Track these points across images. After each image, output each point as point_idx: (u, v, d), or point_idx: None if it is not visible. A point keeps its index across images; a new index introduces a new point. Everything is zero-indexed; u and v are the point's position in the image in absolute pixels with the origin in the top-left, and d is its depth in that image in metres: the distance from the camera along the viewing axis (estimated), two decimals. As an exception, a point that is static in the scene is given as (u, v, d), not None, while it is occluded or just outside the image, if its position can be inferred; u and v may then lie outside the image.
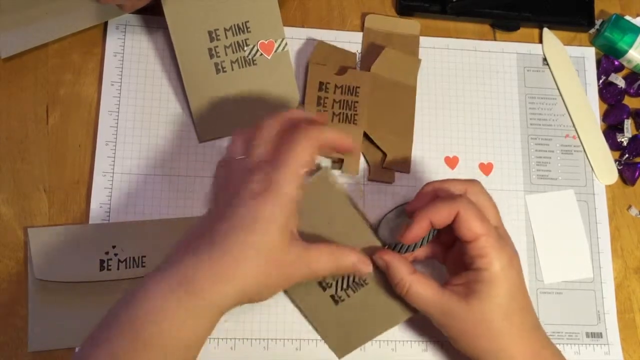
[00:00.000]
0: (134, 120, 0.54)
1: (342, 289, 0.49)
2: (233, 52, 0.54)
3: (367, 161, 0.55)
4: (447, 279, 0.46)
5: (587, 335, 0.54)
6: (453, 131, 0.57)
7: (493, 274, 0.42)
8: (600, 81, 0.60)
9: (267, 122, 0.44)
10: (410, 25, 0.59)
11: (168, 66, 0.56)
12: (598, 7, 0.62)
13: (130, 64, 0.55)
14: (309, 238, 0.45)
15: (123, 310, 0.38)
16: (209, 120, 0.54)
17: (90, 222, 0.51)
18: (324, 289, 0.49)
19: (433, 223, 0.44)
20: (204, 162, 0.54)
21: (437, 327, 0.45)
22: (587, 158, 0.58)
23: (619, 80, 0.60)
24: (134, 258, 0.49)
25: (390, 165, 0.55)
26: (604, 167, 0.58)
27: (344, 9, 0.59)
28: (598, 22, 0.61)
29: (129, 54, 0.55)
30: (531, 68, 0.60)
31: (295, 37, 0.58)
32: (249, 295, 0.40)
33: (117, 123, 0.54)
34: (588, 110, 0.59)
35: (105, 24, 0.56)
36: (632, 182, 0.58)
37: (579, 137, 0.59)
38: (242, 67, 0.54)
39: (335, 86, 0.55)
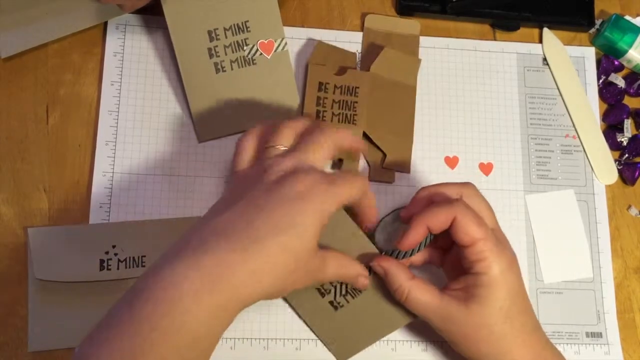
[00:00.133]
0: (134, 120, 0.54)
1: (340, 295, 0.49)
2: (233, 52, 0.54)
3: (367, 161, 0.55)
4: (446, 283, 0.46)
5: (587, 335, 0.54)
6: (453, 131, 0.57)
7: (492, 277, 0.42)
8: (600, 81, 0.60)
9: (284, 124, 0.45)
10: (410, 25, 0.59)
11: (168, 66, 0.56)
12: (598, 7, 0.62)
13: (130, 64, 0.55)
14: None
15: (141, 303, 0.36)
16: (209, 120, 0.54)
17: (90, 222, 0.51)
18: (323, 295, 0.49)
19: (430, 228, 0.44)
20: (204, 162, 0.54)
21: (437, 331, 0.45)
22: (587, 158, 0.58)
23: (619, 80, 0.60)
24: (134, 258, 0.49)
25: (390, 166, 0.55)
26: (604, 167, 0.58)
27: (344, 9, 0.59)
28: (598, 22, 0.61)
29: (129, 54, 0.55)
30: (531, 68, 0.60)
31: (295, 37, 0.58)
32: (270, 295, 0.39)
33: (117, 123, 0.54)
34: (588, 110, 0.59)
35: (105, 24, 0.56)
36: (632, 182, 0.58)
37: (579, 137, 0.59)
38: (242, 66, 0.54)
39: (335, 86, 0.55)
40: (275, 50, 0.55)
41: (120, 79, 0.55)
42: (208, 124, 0.54)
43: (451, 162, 0.57)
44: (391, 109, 0.56)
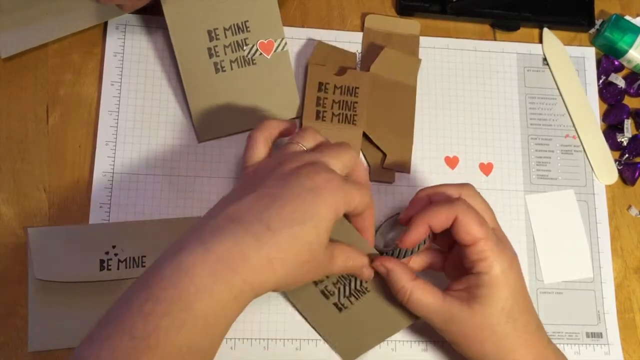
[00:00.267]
0: (134, 120, 0.54)
1: (344, 297, 0.49)
2: (232, 52, 0.54)
3: (367, 161, 0.55)
4: (446, 286, 0.46)
5: (587, 335, 0.54)
6: (453, 131, 0.57)
7: (494, 277, 0.42)
8: (600, 81, 0.60)
9: (310, 128, 0.47)
10: (410, 25, 0.59)
11: (168, 66, 0.56)
12: (598, 7, 0.62)
13: (130, 64, 0.55)
14: None
15: (151, 290, 0.35)
16: (208, 120, 0.54)
17: (90, 222, 0.51)
18: (327, 297, 0.49)
19: (431, 227, 0.44)
20: (204, 162, 0.54)
21: (439, 332, 0.45)
22: (587, 158, 0.58)
23: (619, 80, 0.60)
24: (134, 258, 0.49)
25: (391, 166, 0.55)
26: (604, 167, 0.58)
27: (344, 9, 0.59)
28: (598, 22, 0.61)
29: (129, 54, 0.55)
30: (531, 68, 0.60)
31: (295, 37, 0.58)
32: (281, 286, 0.39)
33: (117, 123, 0.54)
34: (588, 110, 0.59)
35: (105, 24, 0.56)
36: (632, 182, 0.58)
37: (579, 137, 0.59)
38: (242, 66, 0.54)
39: (335, 86, 0.55)
40: (275, 50, 0.55)
41: (120, 79, 0.55)
42: (208, 124, 0.54)
43: (451, 162, 0.57)
44: (391, 109, 0.56)
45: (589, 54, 0.61)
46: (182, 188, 0.53)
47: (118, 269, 0.49)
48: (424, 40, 0.59)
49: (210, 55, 0.53)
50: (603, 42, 0.60)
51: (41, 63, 0.55)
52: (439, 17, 0.60)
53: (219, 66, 0.54)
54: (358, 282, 0.48)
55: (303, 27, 0.58)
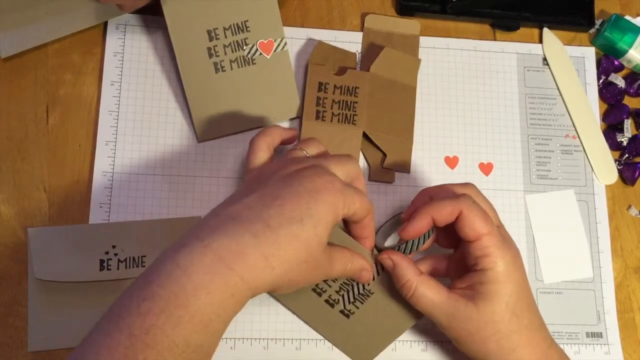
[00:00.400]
0: (134, 120, 0.54)
1: (349, 303, 0.49)
2: (232, 52, 0.54)
3: (367, 161, 0.55)
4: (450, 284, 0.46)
5: (587, 335, 0.54)
6: (453, 131, 0.57)
7: (498, 273, 0.42)
8: (600, 81, 0.60)
9: (314, 139, 0.49)
10: (410, 25, 0.59)
11: (168, 66, 0.56)
12: (598, 7, 0.62)
13: (130, 64, 0.55)
14: None
15: (150, 287, 0.36)
16: (208, 120, 0.54)
17: (90, 222, 0.51)
18: (332, 306, 0.49)
19: (435, 220, 0.44)
20: (204, 162, 0.54)
21: (441, 330, 0.45)
22: (587, 158, 0.58)
23: (619, 80, 0.60)
24: (134, 258, 0.49)
25: (391, 166, 0.55)
26: (604, 167, 0.58)
27: (344, 9, 0.59)
28: (598, 22, 0.61)
29: (128, 54, 0.55)
30: (531, 68, 0.60)
31: (295, 37, 0.58)
32: (277, 286, 0.39)
33: (117, 123, 0.54)
34: (588, 110, 0.59)
35: (105, 24, 0.56)
36: (632, 182, 0.58)
37: (579, 137, 0.59)
38: (242, 66, 0.54)
39: (335, 86, 0.55)
40: (275, 50, 0.55)
41: (120, 79, 0.55)
42: (207, 124, 0.54)
43: (451, 162, 0.57)
44: (391, 109, 0.56)
45: (589, 54, 0.61)
46: (182, 188, 0.53)
47: (118, 269, 0.49)
48: (424, 40, 0.59)
49: (210, 55, 0.53)
50: (603, 42, 0.60)
51: (41, 63, 0.55)
52: (439, 17, 0.60)
53: (218, 66, 0.54)
54: (361, 287, 0.48)
55: (303, 27, 0.58)
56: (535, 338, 0.44)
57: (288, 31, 0.57)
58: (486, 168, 0.57)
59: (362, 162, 0.55)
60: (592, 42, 0.62)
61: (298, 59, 0.57)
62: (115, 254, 0.49)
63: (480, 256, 0.43)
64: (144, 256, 0.49)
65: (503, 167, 0.57)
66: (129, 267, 0.49)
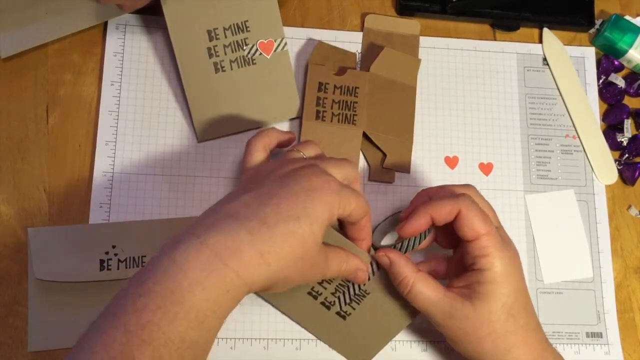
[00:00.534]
0: (134, 120, 0.54)
1: (346, 304, 0.48)
2: (232, 52, 0.54)
3: (367, 161, 0.55)
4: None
5: (587, 335, 0.54)
6: (453, 131, 0.57)
7: (496, 273, 0.42)
8: (600, 81, 0.60)
9: (312, 141, 0.49)
10: (410, 25, 0.59)
11: (168, 66, 0.56)
12: (598, 7, 0.62)
13: (130, 64, 0.55)
14: None
15: (146, 284, 0.36)
16: (208, 120, 0.54)
17: (90, 222, 0.51)
18: (328, 308, 0.49)
19: (434, 219, 0.44)
20: (204, 162, 0.54)
21: (437, 328, 0.45)
22: (587, 158, 0.58)
23: (619, 80, 0.60)
24: (134, 258, 0.49)
25: (390, 166, 0.55)
26: (604, 167, 0.58)
27: (344, 9, 0.59)
28: (598, 22, 0.61)
29: (128, 54, 0.55)
30: (531, 68, 0.60)
31: (295, 37, 0.58)
32: (272, 283, 0.39)
33: (117, 123, 0.54)
34: (588, 110, 0.59)
35: (105, 24, 0.56)
36: (632, 182, 0.58)
37: (579, 137, 0.59)
38: (241, 66, 0.54)
39: (335, 86, 0.55)
40: (275, 50, 0.55)
41: (120, 79, 0.55)
42: (207, 124, 0.54)
43: (451, 162, 0.57)
44: (391, 109, 0.56)
45: (589, 54, 0.61)
46: (182, 188, 0.53)
47: (118, 269, 0.49)
48: (424, 40, 0.59)
49: (210, 55, 0.53)
50: (603, 42, 0.60)
51: (41, 63, 0.55)
52: (439, 17, 0.60)
53: (218, 66, 0.54)
54: (357, 287, 0.48)
55: (303, 27, 0.58)
56: (532, 339, 0.44)
57: (288, 31, 0.57)
58: (486, 168, 0.57)
59: (362, 162, 0.55)
60: (592, 42, 0.62)
61: (298, 59, 0.57)
62: (115, 254, 0.49)
63: (479, 256, 0.43)
64: (144, 256, 0.49)
65: (503, 167, 0.57)
66: (129, 267, 0.49)
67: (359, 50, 0.58)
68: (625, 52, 0.59)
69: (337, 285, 0.48)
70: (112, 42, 0.55)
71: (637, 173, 0.57)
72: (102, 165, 0.53)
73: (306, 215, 0.39)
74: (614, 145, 0.59)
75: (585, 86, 0.60)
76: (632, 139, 0.59)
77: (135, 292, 0.36)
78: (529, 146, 0.58)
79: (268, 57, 0.54)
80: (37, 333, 0.49)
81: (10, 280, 0.50)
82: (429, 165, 0.56)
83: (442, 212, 0.43)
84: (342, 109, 0.54)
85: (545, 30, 0.61)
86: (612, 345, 0.54)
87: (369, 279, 0.47)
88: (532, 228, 0.56)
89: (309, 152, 0.47)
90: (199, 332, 0.36)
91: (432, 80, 0.58)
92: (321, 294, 0.48)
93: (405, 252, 0.46)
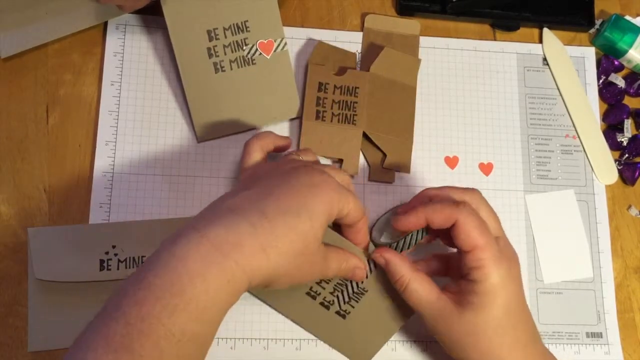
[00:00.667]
0: (134, 120, 0.54)
1: (345, 303, 0.48)
2: (232, 52, 0.54)
3: (367, 161, 0.55)
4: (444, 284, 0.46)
5: (587, 335, 0.54)
6: (453, 131, 0.57)
7: (488, 287, 0.42)
8: (600, 81, 0.60)
9: (310, 149, 0.50)
10: (410, 25, 0.59)
11: (168, 66, 0.56)
12: (598, 7, 0.62)
13: (130, 64, 0.55)
14: None
15: (151, 274, 0.36)
16: (208, 120, 0.54)
17: (90, 222, 0.51)
18: (328, 308, 0.49)
19: (428, 220, 0.43)
20: (204, 162, 0.54)
21: (428, 329, 0.45)
22: (587, 158, 0.58)
23: (619, 80, 0.60)
24: (134, 258, 0.49)
25: (391, 166, 0.55)
26: (604, 167, 0.58)
27: (344, 9, 0.59)
28: (598, 22, 0.61)
29: (128, 54, 0.55)
30: (531, 68, 0.60)
31: (295, 37, 0.58)
32: (272, 279, 0.39)
33: (117, 123, 0.54)
34: (588, 110, 0.59)
35: (105, 24, 0.56)
36: (632, 182, 0.58)
37: (579, 137, 0.59)
38: (241, 66, 0.54)
39: (335, 86, 0.55)
40: (274, 50, 0.55)
41: (120, 79, 0.55)
42: (207, 124, 0.54)
43: (451, 162, 0.57)
44: (391, 109, 0.56)
45: (589, 54, 0.61)
46: (181, 188, 0.53)
47: (118, 269, 0.49)
48: (424, 40, 0.59)
49: (210, 55, 0.53)
50: (603, 42, 0.60)
51: (41, 63, 0.55)
52: (439, 17, 0.60)
53: (218, 66, 0.54)
54: (355, 285, 0.48)
55: (303, 27, 0.58)
56: (523, 353, 0.43)
57: (288, 31, 0.57)
58: (486, 168, 0.57)
59: (362, 162, 0.55)
60: (592, 42, 0.62)
61: (298, 59, 0.57)
62: (115, 254, 0.49)
63: (474, 267, 0.42)
64: (144, 256, 0.49)
65: (503, 167, 0.57)
66: (129, 267, 0.49)
67: (359, 50, 0.58)
68: (625, 52, 0.59)
69: (335, 285, 0.48)
70: (112, 42, 0.55)
71: (637, 173, 0.57)
72: (102, 165, 0.53)
73: (306, 210, 0.39)
74: (614, 145, 0.59)
75: (585, 86, 0.60)
76: (632, 139, 0.59)
77: (135, 285, 0.36)
78: (529, 146, 0.58)
79: (268, 57, 0.54)
80: (37, 333, 0.49)
81: (10, 280, 0.50)
82: (429, 165, 0.56)
83: (438, 218, 0.43)
84: (342, 109, 0.54)
85: (545, 30, 0.61)
86: (612, 345, 0.54)
87: (366, 277, 0.47)
88: (532, 228, 0.56)
89: (306, 157, 0.48)
90: (199, 324, 0.36)
91: (432, 80, 0.58)
92: (320, 293, 0.48)
93: (401, 251, 0.46)
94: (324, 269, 0.43)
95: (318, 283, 0.48)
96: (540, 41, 0.61)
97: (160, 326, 0.34)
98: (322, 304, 0.49)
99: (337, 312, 0.49)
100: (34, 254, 0.48)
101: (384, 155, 0.55)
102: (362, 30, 0.59)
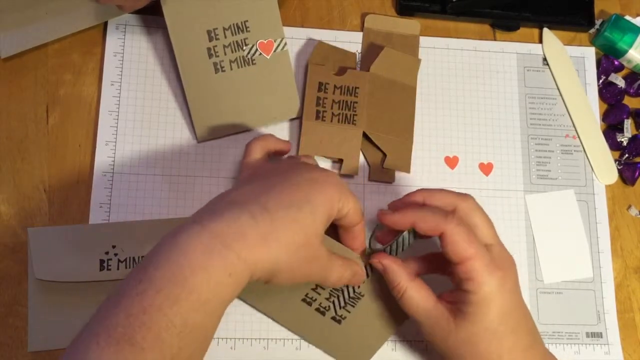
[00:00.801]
0: (134, 120, 0.54)
1: (340, 308, 0.48)
2: (232, 52, 0.54)
3: (367, 161, 0.55)
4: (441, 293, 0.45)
5: (587, 335, 0.54)
6: (453, 131, 0.57)
7: (481, 297, 0.41)
8: (600, 81, 0.60)
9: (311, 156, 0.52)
10: (410, 25, 0.59)
11: (168, 66, 0.56)
12: (598, 7, 0.62)
13: (130, 64, 0.55)
14: None
15: (153, 266, 0.36)
16: (208, 121, 0.54)
17: (90, 222, 0.51)
18: (323, 314, 0.48)
19: (414, 225, 0.43)
20: (204, 162, 0.54)
21: (424, 335, 0.45)
22: (587, 158, 0.58)
23: (618, 80, 0.60)
24: (134, 258, 0.49)
25: (391, 166, 0.55)
26: (604, 167, 0.58)
27: (344, 9, 0.59)
28: (598, 22, 0.61)
29: (128, 54, 0.55)
30: (531, 68, 0.60)
31: (295, 37, 0.58)
32: (274, 272, 0.39)
33: (117, 123, 0.54)
34: (588, 110, 0.59)
35: (105, 24, 0.56)
36: (632, 182, 0.58)
37: (579, 137, 0.59)
38: (241, 66, 0.54)
39: (335, 86, 0.55)
40: (274, 51, 0.55)
41: (120, 79, 0.55)
42: (207, 124, 0.54)
43: (451, 162, 0.57)
44: (391, 109, 0.56)
45: (589, 54, 0.61)
46: (181, 188, 0.53)
47: (118, 269, 0.49)
48: (424, 40, 0.59)
49: (210, 56, 0.53)
50: (603, 42, 0.60)
51: (41, 63, 0.55)
52: (439, 17, 0.60)
53: (218, 66, 0.54)
54: (351, 290, 0.48)
55: (303, 27, 0.58)
56: (520, 357, 0.42)
57: (288, 31, 0.57)
58: (486, 168, 0.57)
59: (362, 162, 0.55)
60: (592, 42, 0.62)
61: (298, 59, 0.57)
62: (115, 254, 0.49)
63: (464, 279, 0.42)
64: (144, 256, 0.49)
65: (503, 167, 0.57)
66: (129, 267, 0.49)
67: (359, 50, 0.58)
68: (625, 52, 0.59)
69: (331, 290, 0.48)
70: (112, 42, 0.55)
71: (637, 173, 0.57)
72: (102, 166, 0.53)
73: (308, 204, 0.40)
74: (614, 145, 0.59)
75: (585, 86, 0.60)
76: (632, 139, 0.59)
77: (136, 277, 0.36)
78: (529, 146, 0.58)
79: (268, 57, 0.54)
80: (37, 333, 0.49)
81: (10, 280, 0.50)
82: (429, 165, 0.56)
83: (425, 227, 0.42)
84: (342, 109, 0.54)
85: (545, 30, 0.61)
86: (612, 345, 0.54)
87: (363, 282, 0.47)
88: (532, 228, 0.56)
89: (308, 161, 0.49)
90: (201, 315, 0.36)
91: (432, 80, 0.58)
92: (315, 300, 0.48)
93: (396, 254, 0.46)
94: (325, 271, 0.43)
95: (314, 289, 0.48)
96: (540, 41, 0.61)
97: (162, 317, 0.34)
98: (317, 309, 0.48)
99: (333, 318, 0.49)
100: (34, 254, 0.48)
101: (384, 155, 0.55)
102: (362, 30, 0.59)
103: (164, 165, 0.54)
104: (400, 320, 0.49)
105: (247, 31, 0.54)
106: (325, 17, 0.59)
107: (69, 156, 0.53)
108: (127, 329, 0.34)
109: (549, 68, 0.60)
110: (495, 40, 0.60)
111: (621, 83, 0.60)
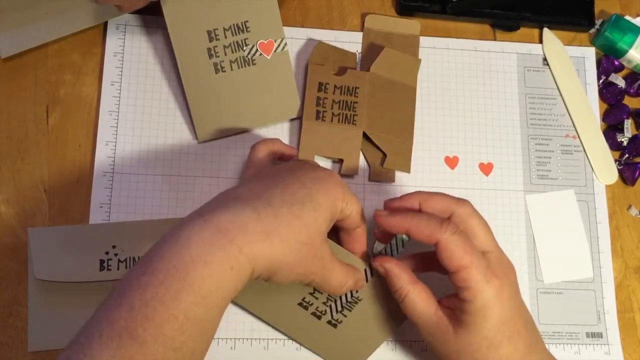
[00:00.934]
0: (134, 120, 0.54)
1: (337, 312, 0.48)
2: (232, 52, 0.54)
3: (367, 161, 0.55)
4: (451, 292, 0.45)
5: (587, 335, 0.54)
6: (453, 131, 0.57)
7: (478, 306, 0.41)
8: (600, 81, 0.60)
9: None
10: (410, 25, 0.59)
11: (168, 66, 0.56)
12: (598, 7, 0.62)
13: (130, 64, 0.55)
14: None
15: (155, 259, 0.36)
16: (208, 121, 0.54)
17: (90, 222, 0.51)
18: (319, 318, 0.48)
19: (409, 233, 0.43)
20: (204, 162, 0.54)
21: (423, 339, 0.45)
22: (587, 158, 0.58)
23: (619, 80, 0.60)
24: (134, 258, 0.49)
25: (391, 166, 0.55)
26: (604, 167, 0.58)
27: (344, 9, 0.59)
28: (598, 22, 0.61)
29: (129, 54, 0.55)
30: (531, 68, 0.60)
31: (295, 37, 0.58)
32: (275, 268, 0.39)
33: (117, 123, 0.54)
34: (588, 110, 0.59)
35: (105, 24, 0.56)
36: (632, 182, 0.58)
37: (579, 137, 0.59)
38: (242, 67, 0.54)
39: (335, 87, 0.55)
40: (275, 51, 0.55)
41: (120, 79, 0.55)
42: (207, 124, 0.54)
43: (451, 162, 0.57)
44: (391, 109, 0.56)
45: (589, 54, 0.61)
46: (181, 188, 0.53)
47: (118, 269, 0.49)
48: (424, 40, 0.59)
49: (210, 56, 0.53)
50: (603, 42, 0.60)
51: (41, 63, 0.55)
52: (439, 17, 0.60)
53: (218, 66, 0.54)
54: (349, 294, 0.47)
55: (303, 27, 0.58)
56: None
57: (288, 31, 0.57)
58: (486, 168, 0.57)
59: (362, 162, 0.55)
60: (592, 42, 0.62)
61: (298, 59, 0.57)
62: (115, 254, 0.49)
63: (461, 287, 0.41)
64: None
65: (503, 167, 0.57)
66: (129, 267, 0.49)
67: (359, 50, 0.58)
68: (626, 52, 0.59)
69: (328, 295, 0.48)
70: (112, 42, 0.55)
71: (637, 173, 0.57)
72: (102, 166, 0.53)
73: (311, 201, 0.40)
74: (614, 145, 0.59)
75: (585, 86, 0.60)
76: (632, 139, 0.59)
77: (139, 271, 0.36)
78: (529, 146, 0.58)
79: (268, 57, 0.54)
80: (37, 333, 0.49)
81: (10, 280, 0.50)
82: (429, 165, 0.56)
83: (420, 234, 0.42)
84: (342, 109, 0.54)
85: (545, 30, 0.61)
86: (612, 346, 0.54)
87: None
88: (532, 228, 0.56)
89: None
90: (203, 309, 0.36)
91: (432, 80, 0.58)
92: (312, 304, 0.48)
93: (397, 252, 0.46)
94: (325, 271, 0.42)
95: (311, 293, 0.47)
96: (540, 41, 0.61)
97: (164, 309, 0.34)
98: (314, 314, 0.48)
99: (329, 322, 0.48)
100: (34, 254, 0.48)
101: (384, 155, 0.55)
102: (362, 30, 0.59)
103: (164, 165, 0.54)
104: (396, 324, 0.48)
105: (247, 31, 0.54)
106: (325, 17, 0.59)
107: (69, 156, 0.53)
108: (129, 322, 0.34)
109: (549, 68, 0.60)
110: (495, 40, 0.60)
111: (621, 83, 0.60)
